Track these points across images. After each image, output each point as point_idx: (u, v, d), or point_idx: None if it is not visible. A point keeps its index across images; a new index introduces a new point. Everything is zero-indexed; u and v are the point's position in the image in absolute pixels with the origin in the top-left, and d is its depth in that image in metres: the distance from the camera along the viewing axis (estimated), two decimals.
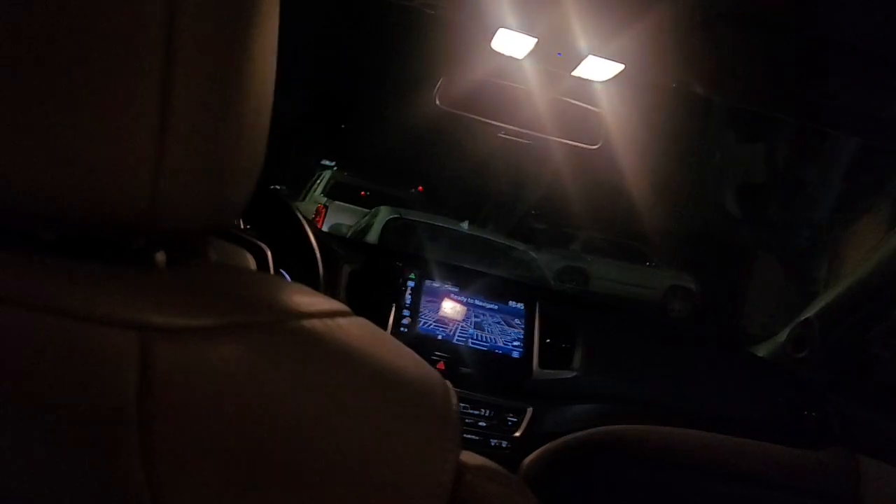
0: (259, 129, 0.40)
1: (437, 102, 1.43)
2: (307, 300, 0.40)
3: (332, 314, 0.41)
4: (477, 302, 1.53)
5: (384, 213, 5.91)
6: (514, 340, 1.52)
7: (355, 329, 0.41)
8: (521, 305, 1.56)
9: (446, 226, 5.92)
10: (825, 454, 1.65)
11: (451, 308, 1.52)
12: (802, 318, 1.82)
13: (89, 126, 0.33)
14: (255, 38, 0.37)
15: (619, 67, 1.31)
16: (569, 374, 1.53)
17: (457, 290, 1.54)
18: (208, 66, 0.35)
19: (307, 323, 0.38)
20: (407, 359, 0.44)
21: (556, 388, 1.52)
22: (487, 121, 1.44)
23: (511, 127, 1.46)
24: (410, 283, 1.51)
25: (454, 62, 1.41)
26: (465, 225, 6.46)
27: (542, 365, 1.52)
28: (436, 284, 1.53)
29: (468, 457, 0.45)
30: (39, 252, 0.36)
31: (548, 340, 1.54)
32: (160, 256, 0.39)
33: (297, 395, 0.36)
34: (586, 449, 1.48)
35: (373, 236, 5.54)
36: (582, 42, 1.25)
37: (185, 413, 0.32)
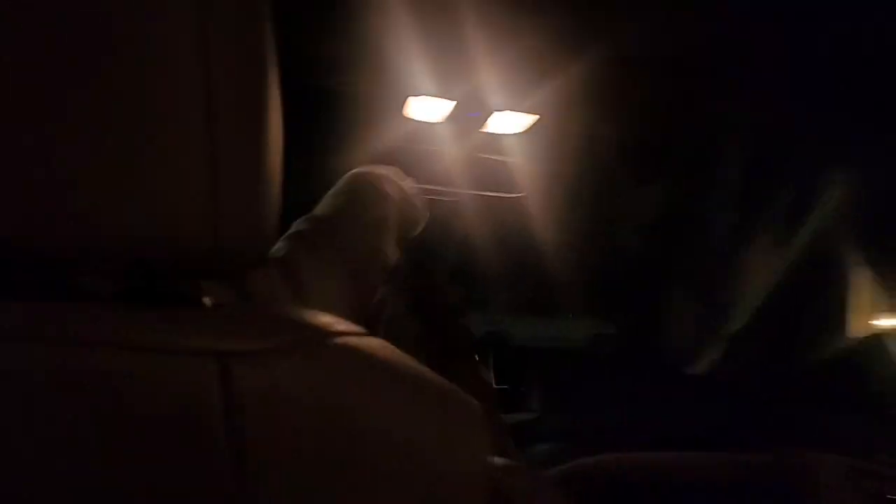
0: (277, 155, 0.43)
1: None
2: (333, 321, 0.45)
3: (358, 333, 0.45)
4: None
5: None
6: None
7: (379, 345, 0.45)
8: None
9: None
10: (776, 455, 1.73)
11: None
12: (732, 331, 1.92)
13: (146, 170, 0.36)
14: (269, 70, 0.42)
15: (534, 118, 1.40)
16: (529, 416, 1.56)
17: None
18: (241, 101, 0.39)
19: (342, 340, 0.43)
20: (427, 371, 0.48)
21: (518, 432, 1.54)
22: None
23: (434, 188, 1.52)
24: None
25: (372, 133, 1.47)
26: None
27: (501, 410, 1.54)
28: None
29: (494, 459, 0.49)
30: (96, 301, 0.39)
31: (504, 386, 1.57)
32: (207, 299, 0.42)
33: (350, 400, 0.40)
34: (564, 484, 1.51)
35: None
36: (495, 99, 1.33)
37: (265, 424, 0.36)
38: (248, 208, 0.40)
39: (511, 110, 1.39)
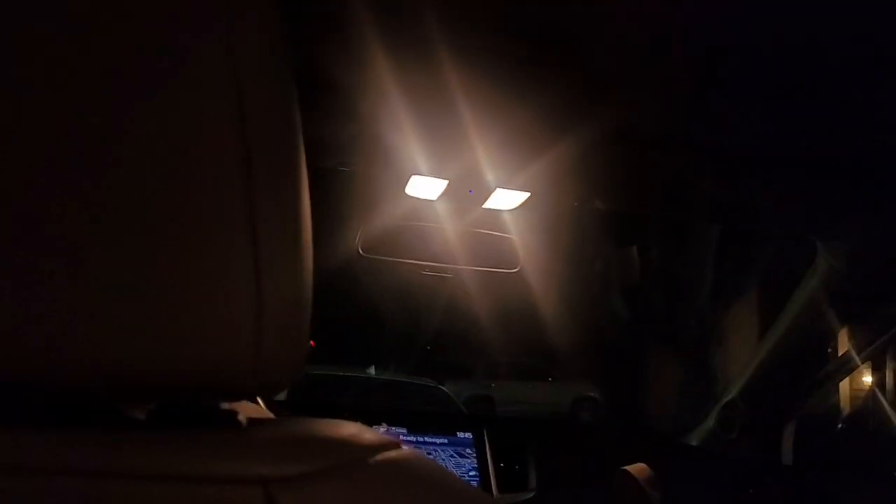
0: (310, 261, 0.42)
1: (360, 252, 1.48)
2: (368, 435, 0.44)
3: (396, 446, 0.44)
4: (426, 439, 1.54)
5: None
6: (470, 470, 1.52)
7: (415, 457, 0.45)
8: (468, 435, 1.57)
9: (353, 374, 5.85)
10: None
11: None
12: (725, 400, 1.92)
13: (190, 291, 0.35)
14: (304, 190, 0.41)
15: (525, 195, 1.42)
16: (528, 495, 1.54)
17: (404, 430, 1.54)
18: (282, 220, 0.38)
19: (382, 456, 0.42)
20: (462, 482, 0.48)
21: None
22: (410, 262, 1.51)
23: (433, 264, 1.53)
24: None
25: (372, 211, 1.49)
26: (371, 370, 6.42)
27: (500, 490, 1.52)
28: (382, 430, 1.53)
29: None
30: (129, 428, 0.38)
31: (501, 465, 1.55)
32: (242, 417, 0.41)
33: None
34: None
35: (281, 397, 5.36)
36: (490, 177, 1.35)
37: None
38: (291, 321, 0.39)
39: (504, 187, 1.42)
